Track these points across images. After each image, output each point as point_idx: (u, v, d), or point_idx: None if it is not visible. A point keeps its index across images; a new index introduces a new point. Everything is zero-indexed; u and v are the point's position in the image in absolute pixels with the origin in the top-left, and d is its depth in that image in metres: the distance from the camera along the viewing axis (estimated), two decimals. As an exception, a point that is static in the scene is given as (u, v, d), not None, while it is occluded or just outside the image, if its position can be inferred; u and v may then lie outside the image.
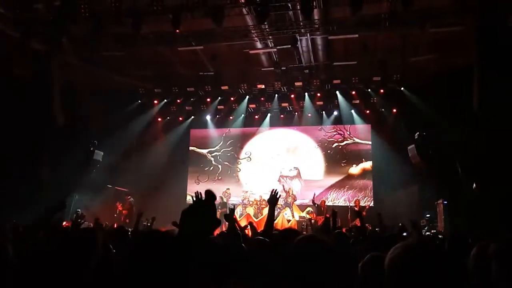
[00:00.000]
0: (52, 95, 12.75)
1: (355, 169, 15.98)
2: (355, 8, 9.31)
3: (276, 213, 14.31)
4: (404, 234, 7.82)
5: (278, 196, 3.94)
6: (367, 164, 15.82)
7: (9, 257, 2.57)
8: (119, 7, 10.19)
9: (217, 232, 8.94)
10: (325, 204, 14.52)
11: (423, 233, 7.72)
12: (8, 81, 11.50)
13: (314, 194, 14.61)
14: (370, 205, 15.06)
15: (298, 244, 2.14)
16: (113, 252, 3.67)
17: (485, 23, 10.14)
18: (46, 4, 10.61)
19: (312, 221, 11.36)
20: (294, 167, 16.52)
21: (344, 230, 7.48)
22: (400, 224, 8.43)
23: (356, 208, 14.17)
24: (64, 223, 6.82)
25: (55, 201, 3.76)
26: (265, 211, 14.10)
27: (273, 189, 3.97)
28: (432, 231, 11.31)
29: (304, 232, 6.92)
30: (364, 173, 15.81)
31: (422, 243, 1.51)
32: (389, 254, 1.52)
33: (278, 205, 14.82)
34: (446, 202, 12.33)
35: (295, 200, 15.30)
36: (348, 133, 16.24)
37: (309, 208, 14.93)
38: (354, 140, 16.19)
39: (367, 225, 7.54)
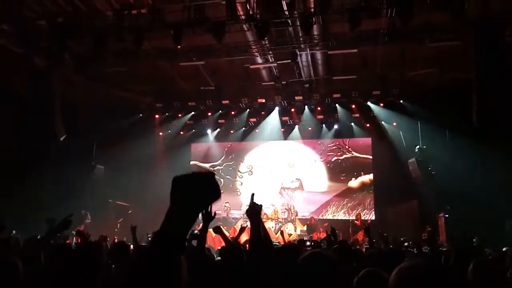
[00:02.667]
0: (53, 110, 12.84)
1: (354, 183, 16.00)
2: (354, 24, 9.44)
3: (277, 227, 14.30)
4: (405, 244, 7.84)
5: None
6: (366, 178, 15.84)
7: (19, 273, 2.60)
8: (121, 24, 10.34)
9: (219, 245, 8.94)
10: (316, 220, 14.53)
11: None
12: (9, 96, 11.57)
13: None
14: (371, 219, 15.04)
15: (305, 260, 2.16)
16: (113, 268, 3.70)
17: (483, 37, 10.25)
18: (49, 20, 10.75)
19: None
20: (296, 179, 16.53)
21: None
22: (402, 239, 8.45)
23: (357, 222, 14.16)
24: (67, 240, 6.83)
25: (59, 219, 3.77)
26: (267, 225, 14.08)
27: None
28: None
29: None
30: (363, 187, 15.82)
31: (426, 265, 1.51)
32: (393, 276, 1.51)
33: (280, 219, 14.83)
34: (447, 216, 12.33)
35: (297, 215, 15.30)
36: (347, 147, 16.28)
37: (309, 222, 14.89)
38: (353, 154, 16.23)
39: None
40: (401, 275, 1.48)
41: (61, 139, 12.98)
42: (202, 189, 1.26)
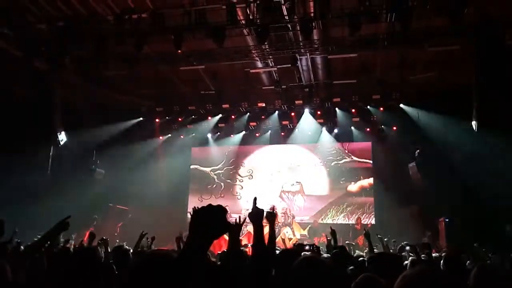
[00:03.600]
0: (54, 114, 12.88)
1: (353, 187, 15.98)
2: (353, 28, 9.47)
3: (277, 232, 14.29)
4: (406, 249, 7.82)
5: (274, 212, 3.82)
6: (365, 182, 15.83)
7: (7, 279, 2.60)
8: (122, 27, 10.38)
9: (218, 250, 8.92)
10: (318, 223, 14.50)
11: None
12: (9, 100, 11.59)
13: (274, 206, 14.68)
14: (372, 223, 15.02)
15: (299, 265, 2.16)
16: (115, 272, 3.70)
17: (483, 41, 10.27)
18: (49, 24, 10.79)
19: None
20: (297, 182, 16.51)
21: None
22: (402, 244, 8.43)
23: (357, 226, 14.16)
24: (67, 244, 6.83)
25: (57, 221, 3.73)
26: (267, 229, 14.04)
27: (272, 206, 3.89)
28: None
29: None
30: (362, 191, 15.80)
31: (431, 272, 1.51)
32: (398, 282, 1.51)
33: (279, 223, 14.81)
34: (447, 220, 12.32)
35: (293, 218, 15.30)
36: (346, 151, 16.29)
37: (310, 226, 14.89)
38: (352, 158, 16.23)
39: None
40: (406, 281, 1.49)
41: (61, 142, 13.00)
42: (214, 222, 1.49)
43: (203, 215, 1.48)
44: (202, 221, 1.47)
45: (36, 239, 3.78)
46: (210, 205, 1.52)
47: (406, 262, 4.59)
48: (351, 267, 4.01)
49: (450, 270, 3.45)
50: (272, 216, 3.56)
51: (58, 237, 3.86)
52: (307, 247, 5.71)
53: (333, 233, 6.17)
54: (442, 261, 3.48)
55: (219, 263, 3.50)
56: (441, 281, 1.45)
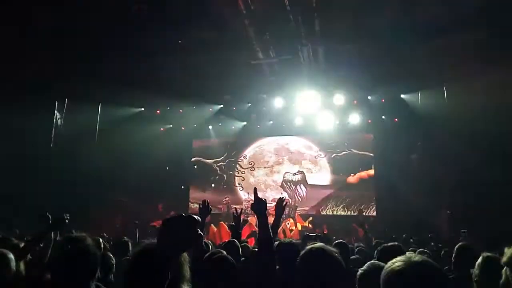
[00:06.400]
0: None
1: (354, 178, 15.98)
2: (355, 19, 9.38)
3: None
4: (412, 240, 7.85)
5: (284, 205, 3.80)
6: (366, 173, 15.82)
7: (10, 271, 2.58)
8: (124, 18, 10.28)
9: (219, 241, 8.90)
10: (320, 213, 14.55)
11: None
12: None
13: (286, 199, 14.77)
14: (373, 215, 15.03)
15: (307, 254, 2.14)
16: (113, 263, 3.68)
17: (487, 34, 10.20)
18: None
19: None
20: (299, 171, 16.53)
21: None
22: (404, 235, 8.46)
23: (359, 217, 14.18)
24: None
25: (54, 217, 3.62)
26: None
27: (280, 198, 3.83)
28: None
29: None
30: (363, 182, 15.80)
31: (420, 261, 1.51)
32: (384, 270, 1.53)
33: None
34: (449, 212, 12.31)
35: (296, 208, 15.34)
36: (346, 143, 16.25)
37: (311, 218, 14.88)
38: (351, 150, 16.20)
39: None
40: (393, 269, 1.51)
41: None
42: (185, 233, 1.45)
43: (174, 226, 1.45)
44: (173, 232, 1.44)
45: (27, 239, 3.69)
46: (181, 215, 1.48)
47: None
48: (356, 256, 4.01)
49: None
50: (281, 208, 3.53)
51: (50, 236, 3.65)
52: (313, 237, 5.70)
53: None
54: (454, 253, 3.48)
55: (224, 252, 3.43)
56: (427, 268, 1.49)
